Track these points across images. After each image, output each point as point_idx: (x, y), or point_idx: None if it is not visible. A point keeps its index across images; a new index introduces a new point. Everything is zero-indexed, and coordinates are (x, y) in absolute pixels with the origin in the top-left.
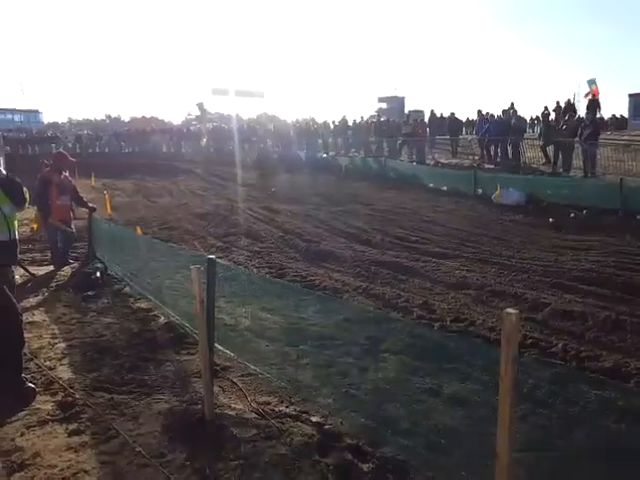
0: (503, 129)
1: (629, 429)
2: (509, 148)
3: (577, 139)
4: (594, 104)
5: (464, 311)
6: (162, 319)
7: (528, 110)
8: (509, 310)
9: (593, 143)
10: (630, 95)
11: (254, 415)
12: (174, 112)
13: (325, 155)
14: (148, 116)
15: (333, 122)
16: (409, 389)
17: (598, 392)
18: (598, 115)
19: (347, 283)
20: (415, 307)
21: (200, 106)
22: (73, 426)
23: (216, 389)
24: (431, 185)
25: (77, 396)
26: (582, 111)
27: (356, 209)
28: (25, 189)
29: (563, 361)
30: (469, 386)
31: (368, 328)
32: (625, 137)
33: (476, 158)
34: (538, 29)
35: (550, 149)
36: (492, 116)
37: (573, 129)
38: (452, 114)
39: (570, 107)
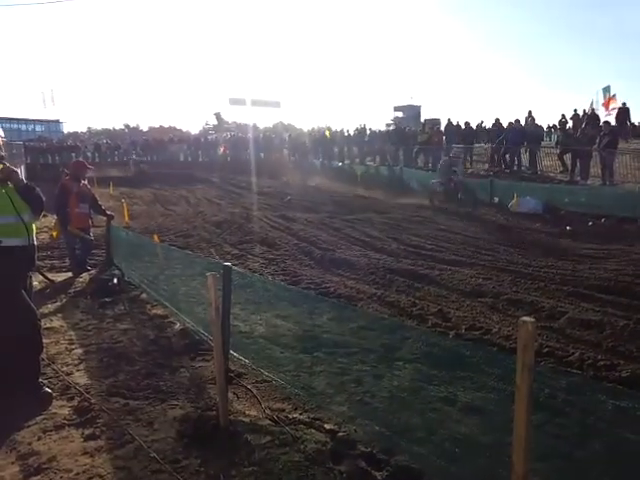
0: (520, 137)
1: None
2: (526, 156)
3: (595, 147)
4: (623, 114)
5: (480, 319)
6: (178, 326)
7: (545, 118)
8: (525, 318)
9: (611, 151)
10: None
11: (268, 422)
12: (192, 122)
13: (340, 164)
14: (166, 126)
15: (348, 131)
16: (424, 397)
17: (615, 402)
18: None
19: (362, 291)
20: (430, 315)
21: (217, 116)
22: (89, 431)
23: (230, 395)
24: None
25: (93, 401)
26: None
27: (371, 217)
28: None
29: (580, 370)
30: (484, 395)
31: (383, 336)
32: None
33: (486, 166)
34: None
35: (567, 157)
36: (510, 124)
37: (591, 137)
38: (467, 123)
39: (594, 116)
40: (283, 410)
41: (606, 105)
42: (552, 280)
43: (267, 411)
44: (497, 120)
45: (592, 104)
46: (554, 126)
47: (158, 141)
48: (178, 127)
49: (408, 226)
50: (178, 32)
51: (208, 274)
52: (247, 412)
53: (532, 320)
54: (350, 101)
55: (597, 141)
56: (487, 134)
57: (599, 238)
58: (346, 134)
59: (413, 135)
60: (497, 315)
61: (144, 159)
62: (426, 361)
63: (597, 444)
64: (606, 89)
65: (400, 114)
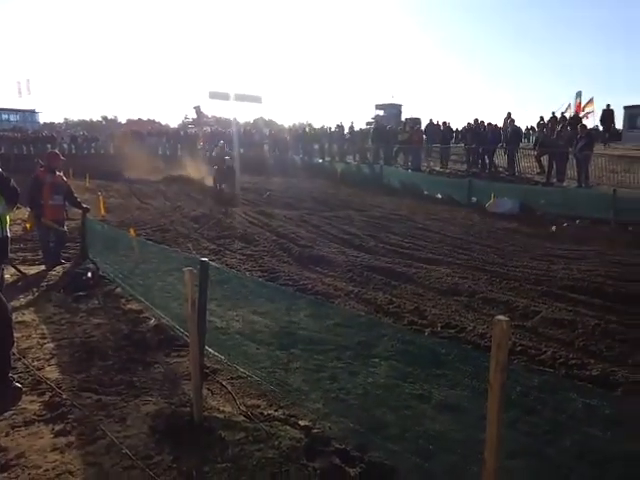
0: (499, 138)
1: (614, 437)
2: (504, 157)
3: (572, 150)
4: (609, 117)
5: (455, 317)
6: (153, 321)
7: (524, 120)
8: (500, 317)
9: (587, 154)
10: (625, 107)
11: (243, 418)
12: (171, 115)
13: (321, 160)
14: (145, 118)
15: (330, 128)
16: (399, 394)
17: (585, 400)
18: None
19: (339, 288)
20: (407, 313)
21: (197, 109)
22: (59, 427)
23: (205, 392)
24: (426, 192)
25: (64, 396)
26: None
27: (350, 215)
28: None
29: (552, 369)
30: (459, 392)
31: (359, 333)
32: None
33: (465, 167)
34: (536, 41)
35: (545, 159)
36: (489, 125)
37: (568, 140)
38: (445, 123)
39: (577, 119)
40: (258, 406)
41: (578, 109)
42: (527, 280)
43: (242, 407)
44: (476, 120)
45: (568, 107)
46: (532, 128)
47: (136, 134)
48: (157, 120)
49: (387, 224)
50: (159, 24)
51: (185, 269)
52: (222, 408)
53: (506, 319)
54: (331, 98)
55: (573, 144)
56: (466, 134)
57: (573, 239)
58: (327, 131)
59: (394, 134)
60: (472, 314)
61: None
62: (402, 358)
63: (567, 441)
64: (578, 94)
65: (381, 112)
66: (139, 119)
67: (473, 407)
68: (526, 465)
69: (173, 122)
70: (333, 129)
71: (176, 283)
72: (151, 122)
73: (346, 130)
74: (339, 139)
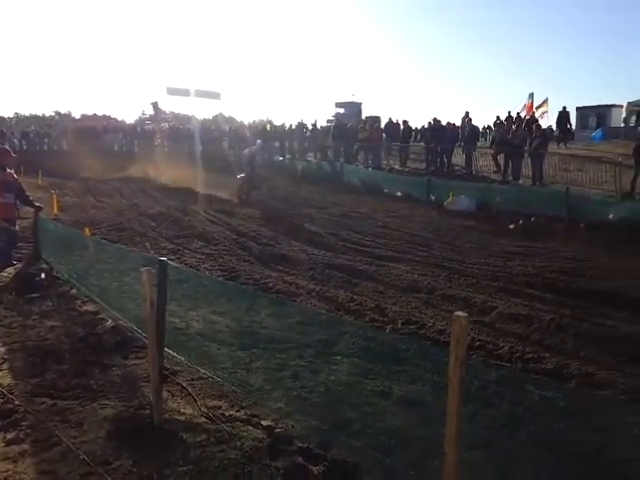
0: (456, 137)
1: (568, 428)
2: (462, 156)
3: (527, 149)
4: (564, 118)
5: (415, 314)
6: (109, 322)
7: (481, 119)
8: (458, 313)
9: (542, 153)
10: (577, 108)
11: (204, 420)
12: (127, 110)
13: (281, 158)
14: (100, 113)
15: (291, 125)
16: (360, 391)
17: (541, 393)
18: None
19: (301, 286)
20: (368, 310)
21: (154, 105)
22: (12, 434)
23: (165, 394)
24: (386, 190)
25: (17, 402)
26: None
27: (311, 213)
28: None
29: (509, 362)
30: (419, 387)
31: (321, 331)
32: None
33: (423, 165)
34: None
35: (501, 158)
36: (448, 124)
37: (523, 139)
38: (405, 122)
39: (533, 119)
40: (219, 407)
41: (529, 110)
42: (484, 276)
43: (203, 409)
44: (435, 119)
45: (524, 107)
46: (489, 127)
47: (91, 129)
48: (113, 116)
49: (347, 222)
50: (114, 15)
51: (142, 269)
52: (182, 410)
53: (465, 315)
54: (293, 95)
55: (528, 143)
56: (426, 133)
57: (528, 236)
58: (288, 128)
59: (354, 132)
60: (432, 310)
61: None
62: (363, 355)
63: (524, 433)
64: (530, 95)
65: (342, 110)
66: (94, 114)
67: (433, 402)
68: (486, 457)
69: (130, 118)
70: (294, 126)
71: (133, 283)
72: (107, 117)
73: (306, 127)
74: (300, 137)
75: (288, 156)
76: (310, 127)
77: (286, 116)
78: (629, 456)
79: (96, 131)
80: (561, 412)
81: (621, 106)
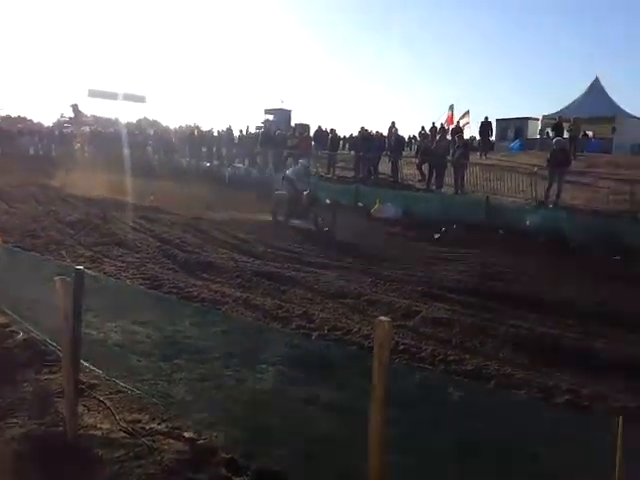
0: (383, 146)
1: (488, 426)
2: (389, 164)
3: (450, 158)
4: (485, 128)
5: (342, 320)
6: (21, 335)
7: (407, 129)
8: (382, 318)
9: (463, 163)
10: (497, 120)
11: (122, 434)
12: (45, 112)
13: (209, 164)
14: (15, 115)
15: (219, 131)
16: (286, 399)
17: (461, 394)
18: (449, 137)
19: (227, 294)
20: (295, 317)
21: (74, 108)
22: None
23: (81, 409)
24: None
25: None
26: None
27: (238, 220)
28: None
29: (431, 365)
30: (344, 393)
31: (246, 340)
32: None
33: (351, 173)
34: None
35: (425, 167)
36: (377, 133)
37: (446, 149)
38: (332, 130)
39: (458, 130)
40: (139, 421)
41: (450, 121)
42: (408, 282)
43: (122, 423)
44: (363, 128)
45: (447, 119)
46: (414, 137)
47: (4, 132)
48: (29, 118)
49: (275, 229)
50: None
51: (57, 278)
52: (99, 425)
53: (388, 320)
54: (221, 100)
55: (451, 153)
56: (356, 142)
57: (451, 243)
58: (215, 134)
59: (283, 139)
60: (358, 315)
61: None
62: (289, 363)
63: (447, 434)
64: (451, 107)
65: (271, 117)
66: (8, 116)
67: (359, 406)
68: (410, 458)
69: (47, 120)
70: (222, 132)
71: (48, 294)
72: (22, 119)
73: (236, 134)
74: (228, 143)
75: (216, 162)
76: (238, 133)
77: (214, 121)
78: (544, 453)
79: (10, 134)
80: (482, 412)
81: (537, 119)
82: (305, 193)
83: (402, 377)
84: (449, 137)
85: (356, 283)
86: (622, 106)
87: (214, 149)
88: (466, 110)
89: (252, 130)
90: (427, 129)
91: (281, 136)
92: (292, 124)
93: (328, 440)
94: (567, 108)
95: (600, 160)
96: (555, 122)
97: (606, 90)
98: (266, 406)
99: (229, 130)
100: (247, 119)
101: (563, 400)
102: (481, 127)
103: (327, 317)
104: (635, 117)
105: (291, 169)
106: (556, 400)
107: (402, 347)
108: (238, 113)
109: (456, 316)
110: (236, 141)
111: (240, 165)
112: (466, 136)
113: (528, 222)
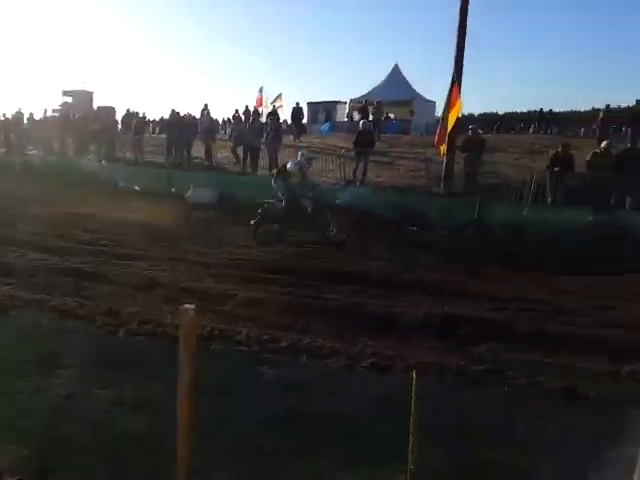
0: (196, 129)
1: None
2: (202, 148)
3: (263, 141)
4: (297, 113)
5: (152, 312)
6: None
7: (220, 112)
8: (186, 306)
9: (276, 145)
10: (308, 104)
11: None
12: None
13: None
14: None
15: (4, 115)
16: (91, 402)
17: (274, 371)
18: (265, 120)
19: (18, 297)
20: (99, 314)
21: None
22: None
23: None
24: (122, 185)
25: None
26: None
27: (36, 212)
28: None
29: (247, 347)
30: (154, 387)
31: (42, 345)
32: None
33: (162, 158)
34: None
35: (240, 150)
36: (188, 115)
37: (259, 132)
38: (136, 113)
39: (274, 112)
40: None
41: (259, 103)
42: (225, 266)
43: None
44: (173, 111)
45: (257, 101)
46: (228, 120)
47: None
48: None
49: (78, 221)
50: None
51: None
52: None
53: (192, 307)
54: (10, 80)
55: (264, 136)
56: (166, 125)
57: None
58: (2, 118)
59: (84, 123)
60: (170, 306)
61: None
62: (93, 364)
63: (259, 414)
64: (261, 89)
65: (69, 99)
66: None
67: (170, 400)
68: (224, 445)
69: None
70: (10, 116)
71: None
72: None
73: (25, 118)
74: (18, 128)
75: (3, 149)
76: (28, 117)
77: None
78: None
79: None
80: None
81: (345, 102)
82: (308, 197)
83: (217, 362)
84: (262, 120)
85: (169, 272)
86: (418, 90)
87: (1, 136)
88: (278, 93)
89: (50, 114)
90: (241, 112)
91: (81, 120)
92: (95, 107)
93: (138, 438)
94: (371, 92)
95: (400, 141)
96: (361, 105)
97: (404, 76)
98: (68, 413)
99: (20, 113)
100: (43, 101)
101: (368, 363)
102: (293, 112)
103: (136, 311)
104: (430, 101)
105: (290, 163)
106: (363, 364)
107: (217, 332)
108: (32, 95)
109: (272, 296)
110: (27, 126)
111: (34, 151)
112: (281, 119)
113: (338, 200)
